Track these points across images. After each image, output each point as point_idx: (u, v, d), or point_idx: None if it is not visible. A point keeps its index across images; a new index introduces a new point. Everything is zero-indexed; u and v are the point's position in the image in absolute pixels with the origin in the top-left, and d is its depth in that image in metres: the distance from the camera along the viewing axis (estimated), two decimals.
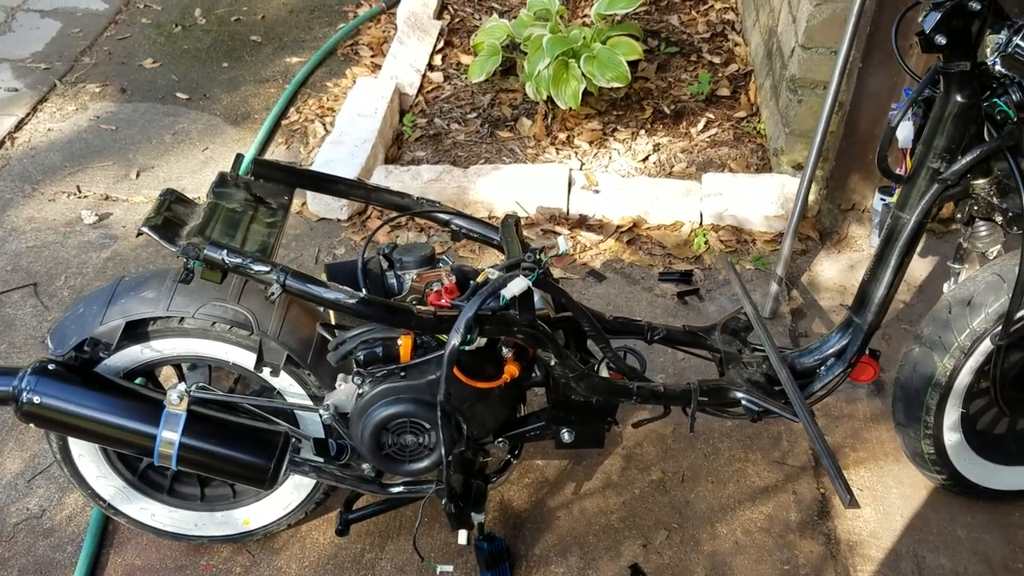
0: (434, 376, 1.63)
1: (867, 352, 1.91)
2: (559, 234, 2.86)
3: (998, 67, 1.56)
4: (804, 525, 2.04)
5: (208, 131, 3.41)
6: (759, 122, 3.23)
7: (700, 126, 3.26)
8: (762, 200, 2.82)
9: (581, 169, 3.09)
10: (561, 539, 2.01)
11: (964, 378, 1.85)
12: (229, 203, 1.68)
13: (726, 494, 2.11)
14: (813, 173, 2.45)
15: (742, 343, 1.98)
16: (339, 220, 2.94)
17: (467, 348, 1.55)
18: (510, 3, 4.02)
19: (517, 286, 1.55)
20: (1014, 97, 1.58)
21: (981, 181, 1.69)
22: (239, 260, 1.49)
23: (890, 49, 2.49)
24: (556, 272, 2.75)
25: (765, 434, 2.25)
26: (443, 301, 1.63)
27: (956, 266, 1.93)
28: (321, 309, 1.80)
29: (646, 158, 3.14)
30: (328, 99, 3.53)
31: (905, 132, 1.78)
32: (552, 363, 1.67)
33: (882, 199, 1.99)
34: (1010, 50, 1.54)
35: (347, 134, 3.06)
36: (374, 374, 1.66)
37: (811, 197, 2.85)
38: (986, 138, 1.65)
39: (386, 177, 2.94)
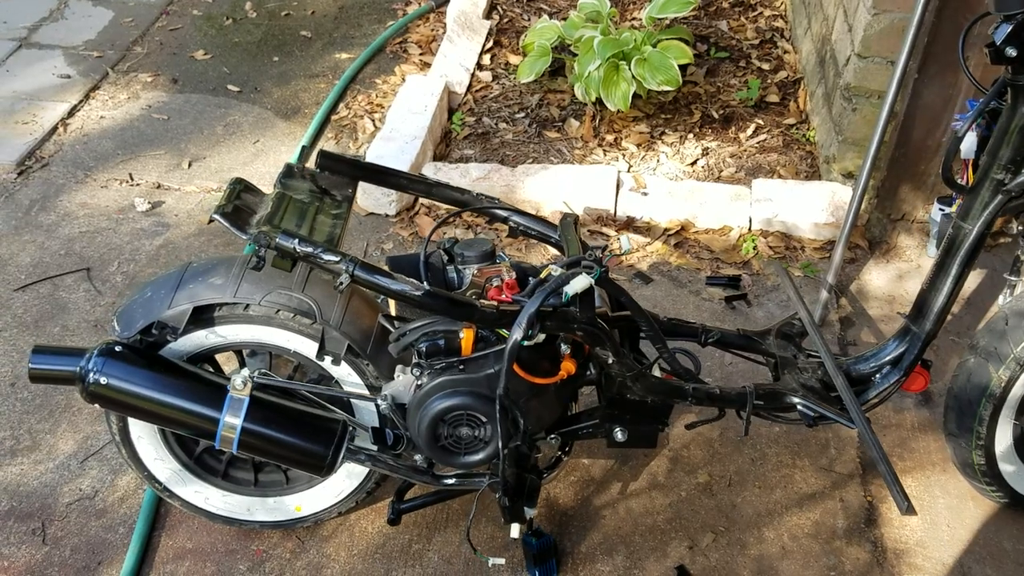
0: (493, 370, 1.65)
1: (919, 362, 1.91)
2: (608, 235, 2.88)
3: None
4: (851, 532, 2.04)
5: (259, 124, 3.46)
6: (809, 129, 3.22)
7: (749, 132, 3.26)
8: (812, 207, 2.82)
9: (629, 171, 3.09)
10: (607, 538, 2.03)
11: (1019, 390, 1.84)
12: (296, 194, 1.71)
13: (773, 499, 2.11)
14: (867, 182, 2.44)
15: (796, 348, 1.98)
16: (387, 215, 2.97)
17: (527, 343, 1.57)
18: (558, 4, 4.03)
19: (580, 283, 1.57)
20: None
21: None
22: (310, 249, 1.52)
23: (946, 60, 2.50)
24: None
25: (813, 441, 2.24)
26: (504, 296, 1.65)
27: (1012, 278, 1.92)
28: (380, 300, 1.83)
29: (694, 162, 3.14)
30: (377, 96, 3.56)
31: (968, 143, 1.78)
32: (609, 361, 1.69)
33: (941, 209, 1.98)
34: None
35: (397, 130, 3.09)
36: (434, 366, 1.67)
37: (861, 206, 2.84)
38: None
39: (435, 174, 2.97)
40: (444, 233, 2.89)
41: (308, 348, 1.72)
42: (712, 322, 2.61)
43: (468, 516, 1.96)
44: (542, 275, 1.61)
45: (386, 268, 1.64)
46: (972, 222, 1.72)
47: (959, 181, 1.77)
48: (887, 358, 1.87)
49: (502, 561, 1.91)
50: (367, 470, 1.90)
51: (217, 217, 1.55)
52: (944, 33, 2.43)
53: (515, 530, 1.81)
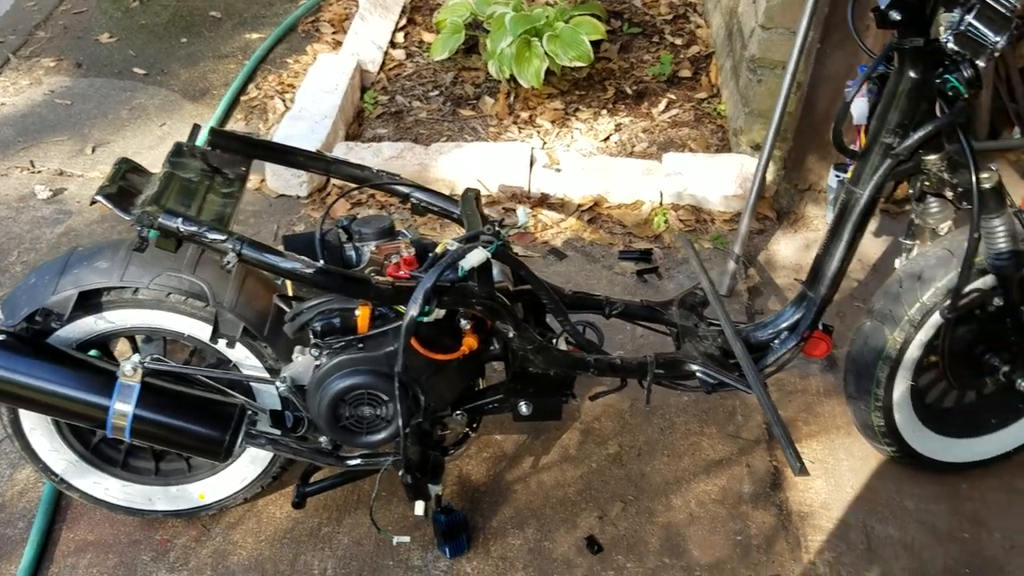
0: (392, 348, 1.63)
1: (820, 327, 1.95)
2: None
3: (951, 44, 1.59)
4: (757, 497, 2.08)
5: (166, 106, 3.36)
6: (719, 103, 3.25)
7: (661, 107, 3.28)
8: (721, 180, 2.85)
9: (543, 148, 3.09)
10: (518, 512, 2.03)
11: (914, 351, 1.89)
12: (185, 173, 1.66)
13: (681, 467, 2.14)
14: (771, 153, 2.48)
15: (698, 318, 2.00)
16: (299, 197, 2.92)
17: (425, 320, 1.55)
18: None
19: (476, 257, 1.56)
20: (965, 74, 1.61)
21: (932, 157, 1.72)
22: (195, 228, 1.48)
23: (847, 31, 2.54)
24: (517, 250, 2.75)
25: (720, 409, 2.28)
26: (402, 272, 1.63)
27: (908, 242, 1.96)
28: (279, 281, 1.79)
29: (608, 138, 3.15)
30: (288, 75, 3.50)
31: (860, 108, 1.81)
32: (510, 335, 1.68)
33: (837, 175, 2.02)
34: (962, 28, 1.56)
35: (307, 110, 3.04)
36: (331, 345, 1.65)
37: (769, 177, 2.89)
38: (938, 114, 1.68)
39: (347, 153, 2.93)
40: (358, 214, 2.85)
41: (202, 331, 1.68)
42: (624, 295, 2.62)
43: (372, 496, 1.95)
44: (438, 250, 1.60)
45: (279, 247, 1.61)
46: (863, 187, 1.75)
47: (852, 147, 1.80)
48: (784, 324, 1.90)
49: (407, 539, 1.90)
50: (271, 455, 1.87)
51: (99, 198, 1.51)
52: (844, 3, 2.46)
53: (419, 507, 1.80)
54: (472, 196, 1.84)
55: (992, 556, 1.98)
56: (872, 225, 2.82)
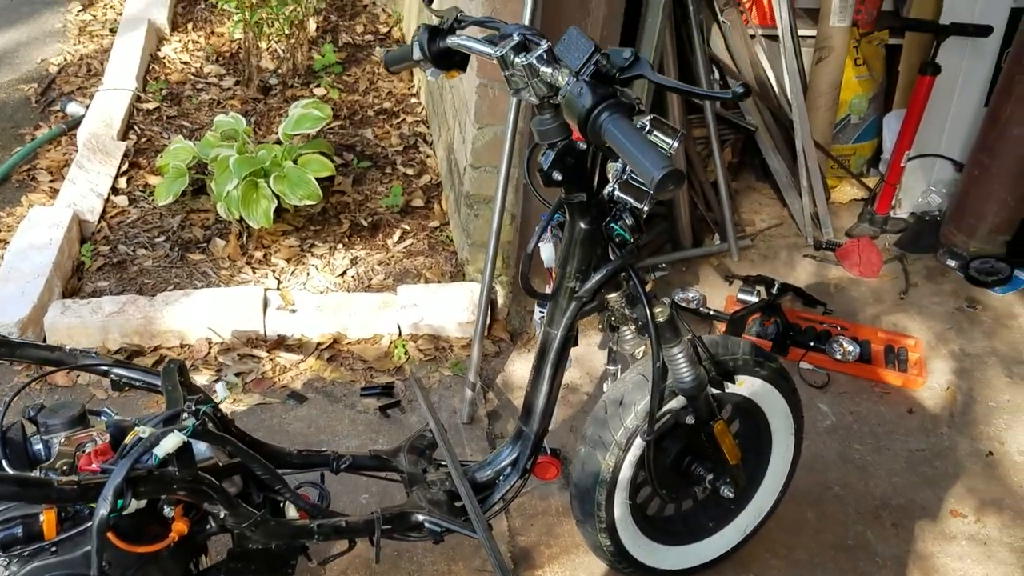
0: (89, 548, 1.52)
1: (548, 452, 2.03)
2: (259, 357, 2.81)
3: (617, 193, 1.75)
4: None
5: None
6: (451, 231, 3.38)
7: (396, 237, 3.36)
8: (455, 308, 2.94)
9: (279, 288, 3.07)
10: None
11: (626, 472, 2.00)
12: None
13: None
14: (490, 283, 2.60)
15: (427, 462, 2.03)
16: None
17: (122, 514, 1.47)
18: (200, 120, 3.96)
19: (170, 443, 1.50)
20: (627, 222, 1.77)
21: (614, 295, 1.86)
22: None
23: None
24: (255, 397, 2.69)
25: (467, 544, 2.30)
26: (93, 465, 1.54)
27: (611, 367, 2.10)
28: None
29: (344, 272, 3.18)
30: (2, 230, 3.27)
31: (548, 253, 1.94)
32: (221, 516, 1.62)
33: (540, 311, 2.14)
34: (625, 177, 1.72)
35: (17, 270, 2.85)
36: (21, 554, 1.52)
37: (500, 301, 3.02)
38: (611, 257, 1.83)
39: (63, 313, 2.76)
40: (58, 396, 2.68)
41: None
42: (368, 434, 2.63)
43: None
44: (128, 438, 1.52)
45: None
46: (556, 327, 1.86)
47: (547, 289, 1.92)
48: (505, 461, 1.97)
49: None
50: None
51: None
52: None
53: None
54: (174, 369, 1.78)
55: None
56: (597, 339, 3.00)
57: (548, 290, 1.93)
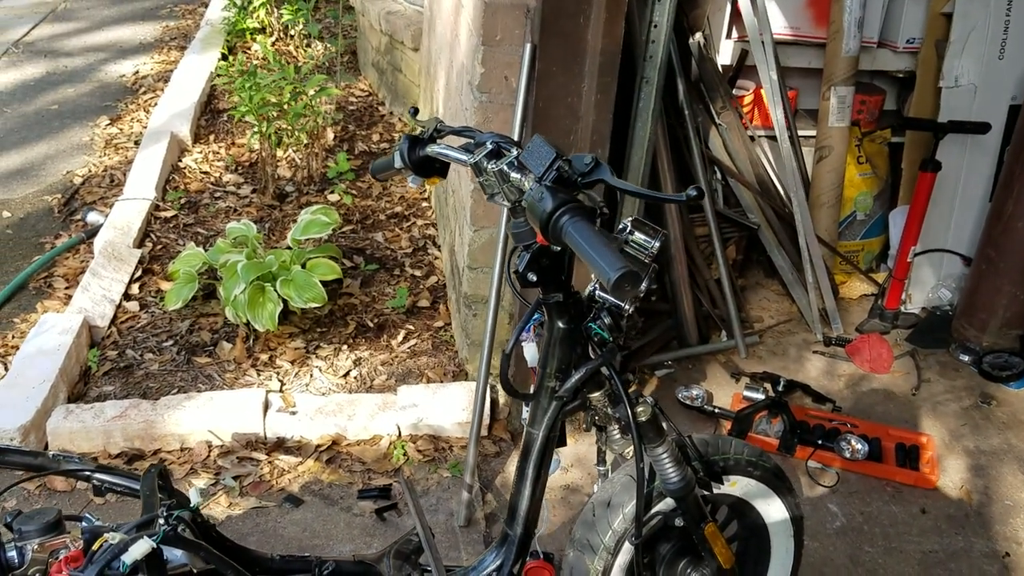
0: None
1: (540, 556, 1.98)
2: (258, 460, 2.81)
3: (598, 292, 1.76)
4: None
5: None
6: (453, 331, 3.40)
7: (400, 338, 3.38)
8: (454, 407, 2.93)
9: (281, 390, 3.08)
10: None
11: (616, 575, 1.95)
12: None
13: None
14: (486, 382, 2.60)
15: (412, 567, 1.99)
16: None
17: None
18: (216, 227, 4.07)
19: (139, 550, 1.49)
20: (606, 321, 1.77)
21: (596, 394, 1.85)
22: None
23: None
24: (251, 500, 2.67)
25: None
26: (64, 573, 1.53)
27: (601, 467, 2.07)
28: None
29: (347, 373, 3.20)
30: (14, 336, 3.35)
31: (531, 352, 1.94)
32: None
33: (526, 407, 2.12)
34: None
35: (23, 376, 2.90)
36: None
37: (501, 400, 3.00)
38: (592, 356, 1.83)
39: (65, 418, 2.79)
40: (53, 501, 2.69)
41: None
42: (363, 538, 2.59)
43: None
44: (96, 544, 1.52)
45: None
46: (538, 427, 1.85)
47: (531, 388, 1.92)
48: (491, 567, 1.92)
49: None
50: None
51: None
52: None
53: None
54: (154, 473, 1.78)
55: None
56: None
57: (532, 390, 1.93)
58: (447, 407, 2.93)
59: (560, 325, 1.78)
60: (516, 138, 2.52)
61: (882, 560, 2.59)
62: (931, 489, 2.87)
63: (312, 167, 4.51)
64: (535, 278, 1.71)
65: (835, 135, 3.70)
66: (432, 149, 1.82)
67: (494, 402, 2.99)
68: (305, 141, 4.46)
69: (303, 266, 3.43)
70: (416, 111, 2.06)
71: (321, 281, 3.37)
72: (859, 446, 2.92)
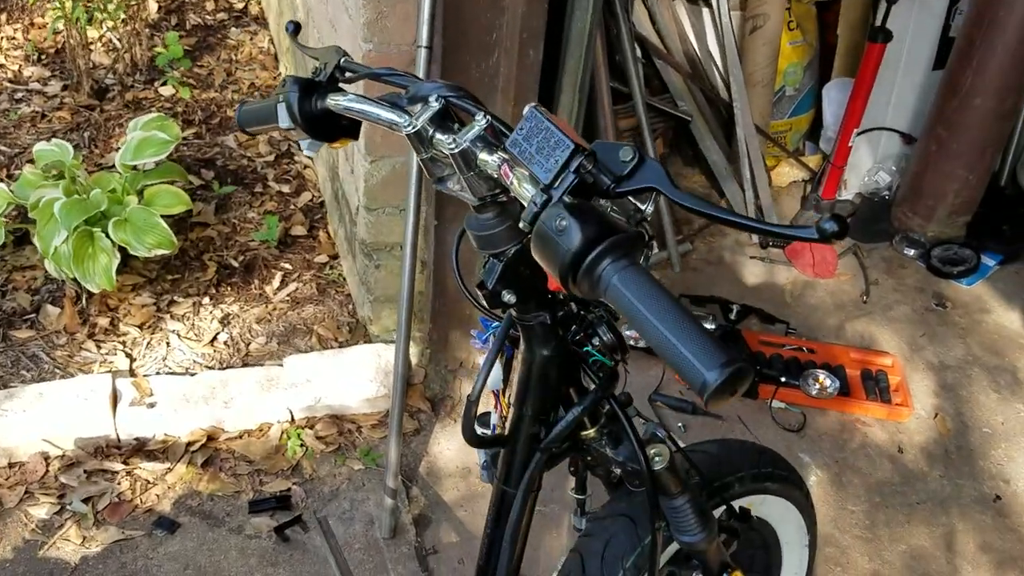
0: None
1: None
2: (114, 471, 2.20)
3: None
4: None
5: None
6: (342, 268, 2.78)
7: (276, 283, 2.74)
8: (359, 378, 2.37)
9: (132, 371, 2.43)
10: None
11: None
12: None
13: None
14: (406, 345, 2.06)
15: None
16: None
17: None
18: (21, 142, 3.21)
19: None
20: (605, 338, 1.25)
21: (590, 431, 1.35)
22: None
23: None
24: (110, 532, 2.08)
25: None
26: None
27: (580, 496, 1.59)
28: None
29: (214, 338, 2.55)
30: None
31: (495, 375, 1.41)
32: None
33: (485, 461, 1.60)
34: None
35: None
36: None
37: (414, 360, 2.47)
38: (585, 386, 1.31)
39: None
40: None
41: None
42: (262, 568, 2.06)
43: None
44: None
45: None
46: (514, 485, 1.34)
47: (492, 416, 1.40)
48: None
49: None
50: None
51: None
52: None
53: None
54: None
55: None
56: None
57: (494, 418, 1.42)
58: (350, 379, 2.37)
59: (544, 354, 1.25)
60: (424, 42, 1.87)
61: (869, 521, 2.29)
62: (905, 421, 2.58)
63: (135, 52, 3.63)
64: (514, 299, 1.16)
65: (771, 0, 3.17)
66: (336, 102, 1.21)
67: (406, 364, 2.44)
68: (122, 16, 3.57)
69: (140, 196, 2.69)
70: (296, 28, 1.40)
71: (166, 216, 2.66)
72: (828, 382, 2.57)
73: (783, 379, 2.57)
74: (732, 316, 2.76)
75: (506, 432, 1.35)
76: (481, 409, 1.30)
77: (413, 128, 1.07)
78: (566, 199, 0.91)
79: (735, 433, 2.49)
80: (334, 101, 1.21)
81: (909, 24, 3.24)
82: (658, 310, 0.85)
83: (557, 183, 0.92)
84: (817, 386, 2.55)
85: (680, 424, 2.51)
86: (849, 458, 2.46)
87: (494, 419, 1.46)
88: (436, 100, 1.08)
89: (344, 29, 2.17)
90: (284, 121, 1.24)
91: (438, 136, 1.07)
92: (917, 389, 2.69)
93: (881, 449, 2.50)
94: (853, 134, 3.24)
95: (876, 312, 3.00)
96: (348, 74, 1.24)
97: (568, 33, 2.24)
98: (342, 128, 1.26)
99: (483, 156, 1.02)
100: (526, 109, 0.98)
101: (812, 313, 2.97)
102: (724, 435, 2.48)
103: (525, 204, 0.96)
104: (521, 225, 0.95)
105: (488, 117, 1.04)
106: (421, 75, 1.87)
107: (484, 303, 1.18)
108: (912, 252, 3.24)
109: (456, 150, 1.02)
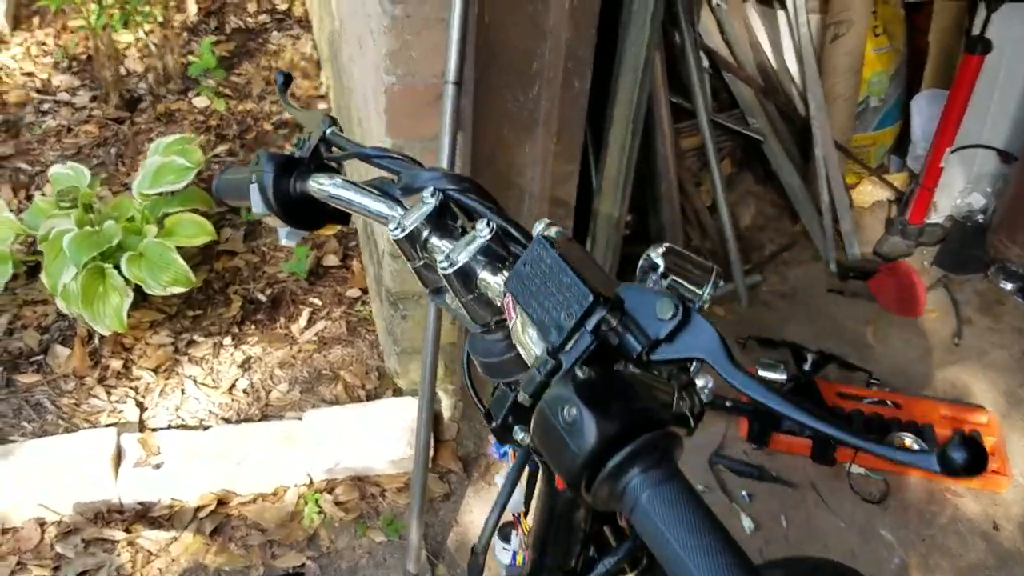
0: None
1: None
2: (114, 540, 2.01)
3: None
4: None
5: None
6: (372, 311, 2.55)
7: (303, 321, 2.52)
8: (385, 436, 2.14)
9: (141, 424, 2.24)
10: None
11: None
12: None
13: None
14: (431, 399, 1.83)
15: None
16: None
17: None
18: (45, 159, 3.04)
19: None
20: None
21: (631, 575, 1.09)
22: None
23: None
24: None
25: None
26: None
27: None
28: None
29: (233, 386, 2.35)
30: None
31: (514, 499, 1.16)
32: None
33: (504, 547, 1.36)
34: None
35: None
36: None
37: (445, 414, 2.23)
38: (623, 527, 1.06)
39: None
40: None
41: None
42: None
43: None
44: None
45: None
46: None
47: (514, 542, 1.16)
48: None
49: None
50: None
51: None
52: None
53: None
54: None
55: None
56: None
57: (515, 542, 1.18)
58: (374, 437, 2.15)
59: (569, 496, 0.99)
60: (452, 77, 1.62)
61: None
62: (1001, 492, 2.25)
63: (168, 60, 3.45)
64: (527, 438, 0.91)
65: (856, 5, 2.83)
66: (320, 186, 0.98)
67: (436, 417, 2.21)
68: (160, 19, 3.40)
69: (160, 225, 2.50)
70: (287, 80, 1.17)
71: (187, 247, 2.47)
72: (915, 448, 2.25)
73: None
74: (807, 367, 2.45)
75: (525, 532, 1.12)
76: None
77: (402, 233, 0.83)
78: (579, 372, 0.66)
79: (807, 504, 2.20)
80: (317, 185, 0.98)
81: (1009, 31, 2.86)
82: (694, 548, 0.59)
83: (568, 346, 0.66)
84: None
85: (744, 492, 2.23)
86: (938, 536, 2.15)
87: (515, 543, 1.22)
88: (432, 195, 0.84)
89: (369, 54, 1.92)
90: (257, 206, 1.01)
91: (433, 241, 0.83)
92: (1016, 452, 2.36)
93: (974, 525, 2.18)
94: (946, 153, 2.89)
95: (970, 357, 2.66)
96: (334, 150, 1.01)
97: (621, 58, 1.96)
98: (328, 212, 1.03)
99: (484, 276, 0.78)
100: (535, 233, 0.73)
101: (897, 357, 2.65)
102: (795, 506, 2.19)
103: (528, 361, 0.71)
104: (520, 398, 0.70)
105: (494, 224, 0.79)
106: (448, 114, 1.62)
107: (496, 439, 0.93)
108: (1010, 287, 2.88)
109: (451, 270, 0.78)
